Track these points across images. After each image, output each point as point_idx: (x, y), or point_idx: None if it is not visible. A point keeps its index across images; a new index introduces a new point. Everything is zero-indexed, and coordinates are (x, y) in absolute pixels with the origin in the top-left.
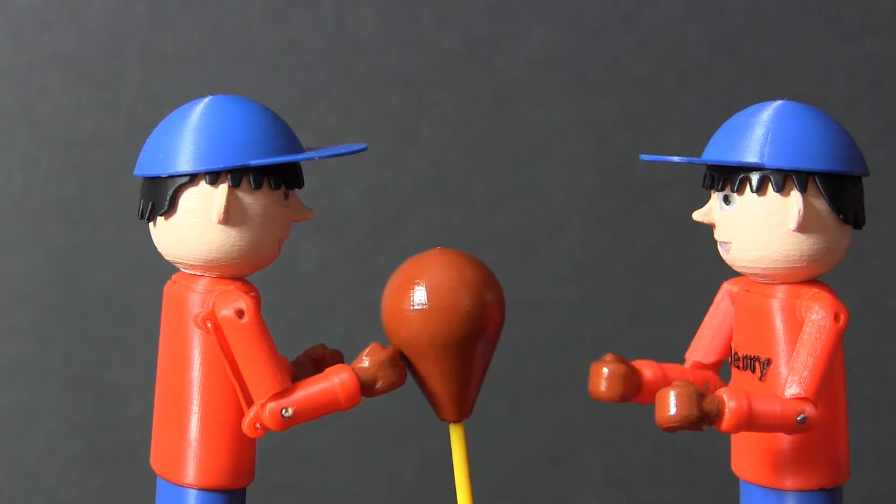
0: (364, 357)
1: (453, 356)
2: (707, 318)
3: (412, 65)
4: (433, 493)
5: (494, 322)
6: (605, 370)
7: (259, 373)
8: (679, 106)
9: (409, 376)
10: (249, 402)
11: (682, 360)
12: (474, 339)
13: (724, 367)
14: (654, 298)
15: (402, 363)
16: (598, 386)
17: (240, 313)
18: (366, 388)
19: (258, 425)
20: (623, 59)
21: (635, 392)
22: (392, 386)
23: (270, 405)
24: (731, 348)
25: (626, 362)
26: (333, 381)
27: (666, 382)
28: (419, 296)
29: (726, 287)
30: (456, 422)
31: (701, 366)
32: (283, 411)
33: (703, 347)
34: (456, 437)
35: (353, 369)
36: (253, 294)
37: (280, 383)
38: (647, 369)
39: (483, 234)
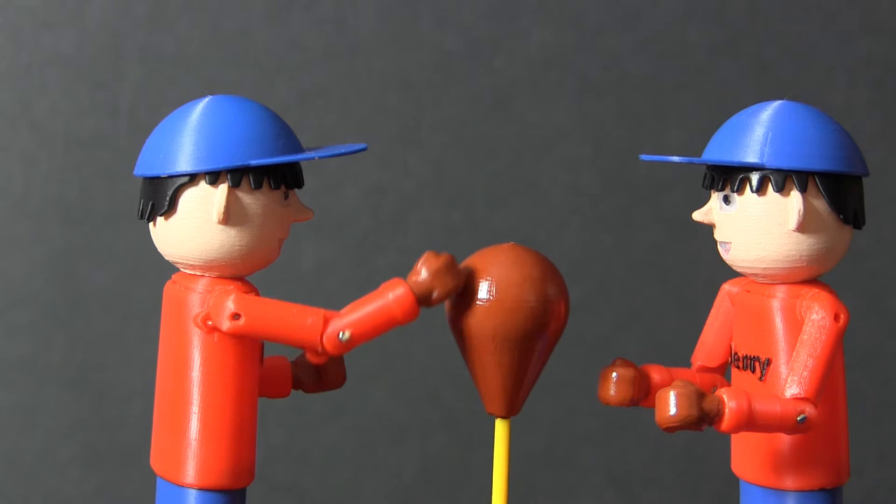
0: (420, 268)
1: (512, 350)
2: (709, 322)
3: (412, 65)
4: (433, 493)
5: (557, 320)
6: (615, 374)
7: (293, 328)
8: (679, 106)
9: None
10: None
11: (682, 359)
12: (535, 335)
13: (729, 369)
14: (654, 298)
15: (458, 267)
16: (608, 390)
17: (235, 317)
18: (422, 300)
19: (319, 351)
20: (623, 59)
21: (644, 396)
22: (450, 293)
23: (327, 332)
24: (731, 348)
25: (634, 366)
26: (388, 298)
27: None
28: (485, 289)
29: (726, 288)
30: (503, 417)
31: (707, 369)
32: (341, 334)
33: (707, 351)
34: (501, 432)
35: (408, 283)
36: (252, 294)
37: (316, 311)
38: (656, 373)
39: (483, 234)
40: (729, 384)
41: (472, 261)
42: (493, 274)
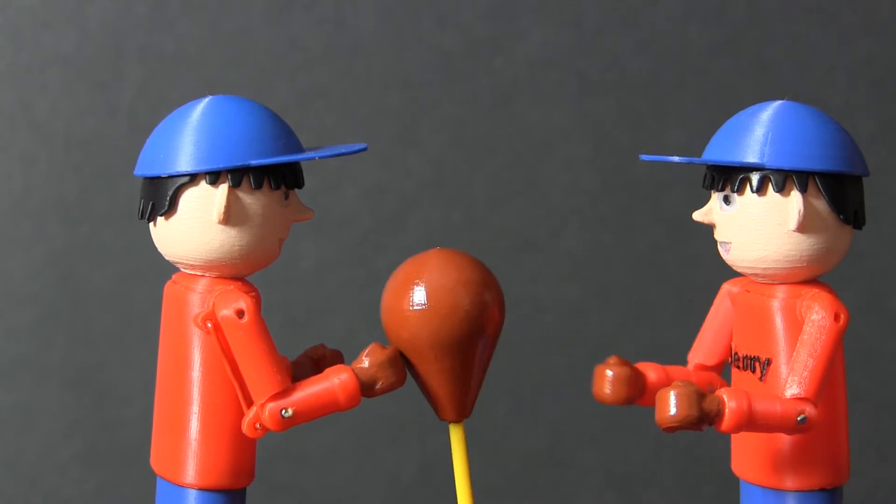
0: (364, 357)
1: (453, 356)
2: (708, 320)
3: (412, 65)
4: (433, 493)
5: (494, 322)
6: (610, 373)
7: (259, 373)
8: (679, 106)
9: (410, 377)
10: (249, 403)
11: (682, 359)
12: (474, 338)
13: (726, 367)
14: (654, 298)
15: (402, 363)
16: (603, 389)
17: (240, 313)
18: (366, 388)
19: (258, 425)
20: (623, 59)
21: (640, 394)
22: (392, 386)
23: (270, 405)
24: (731, 348)
25: (630, 364)
26: (333, 382)
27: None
28: (419, 296)
29: (726, 287)
30: (456, 422)
31: (704, 367)
32: (283, 412)
33: (704, 349)
34: (456, 437)
35: (353, 370)
36: (253, 294)
37: (280, 383)
38: (651, 371)
39: (483, 234)
40: (725, 383)
41: (404, 268)
42: (424, 281)
